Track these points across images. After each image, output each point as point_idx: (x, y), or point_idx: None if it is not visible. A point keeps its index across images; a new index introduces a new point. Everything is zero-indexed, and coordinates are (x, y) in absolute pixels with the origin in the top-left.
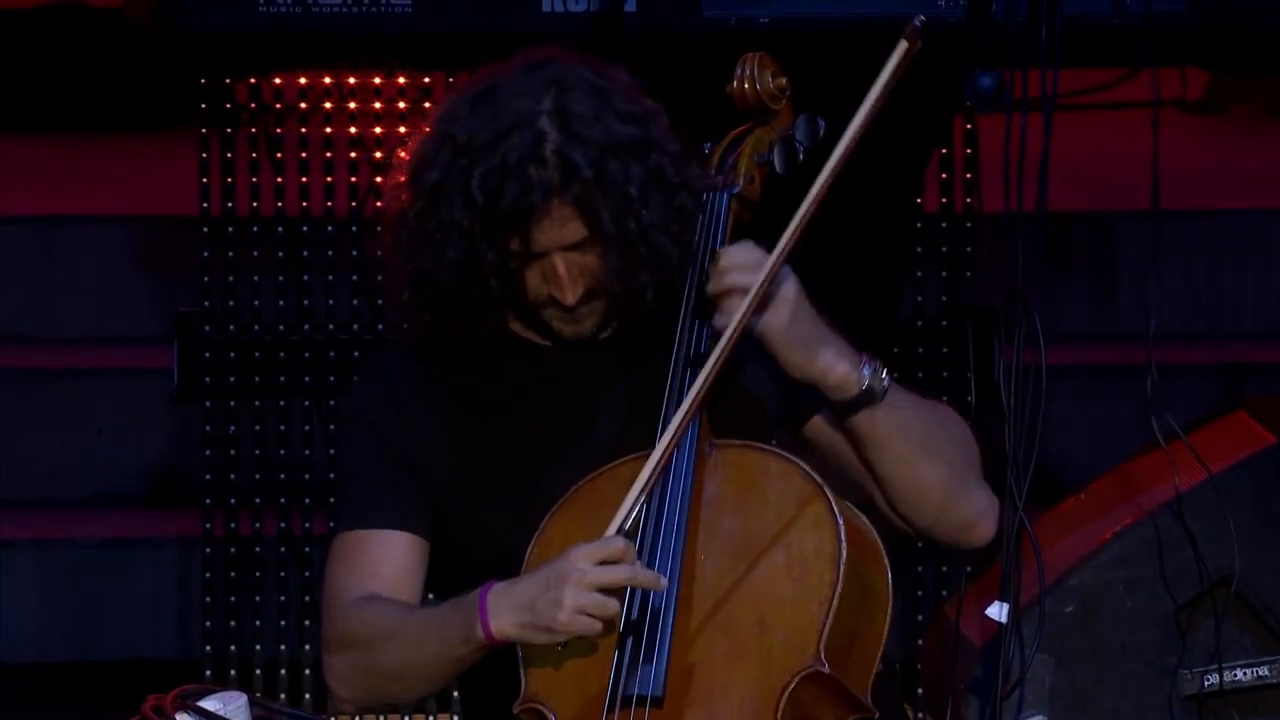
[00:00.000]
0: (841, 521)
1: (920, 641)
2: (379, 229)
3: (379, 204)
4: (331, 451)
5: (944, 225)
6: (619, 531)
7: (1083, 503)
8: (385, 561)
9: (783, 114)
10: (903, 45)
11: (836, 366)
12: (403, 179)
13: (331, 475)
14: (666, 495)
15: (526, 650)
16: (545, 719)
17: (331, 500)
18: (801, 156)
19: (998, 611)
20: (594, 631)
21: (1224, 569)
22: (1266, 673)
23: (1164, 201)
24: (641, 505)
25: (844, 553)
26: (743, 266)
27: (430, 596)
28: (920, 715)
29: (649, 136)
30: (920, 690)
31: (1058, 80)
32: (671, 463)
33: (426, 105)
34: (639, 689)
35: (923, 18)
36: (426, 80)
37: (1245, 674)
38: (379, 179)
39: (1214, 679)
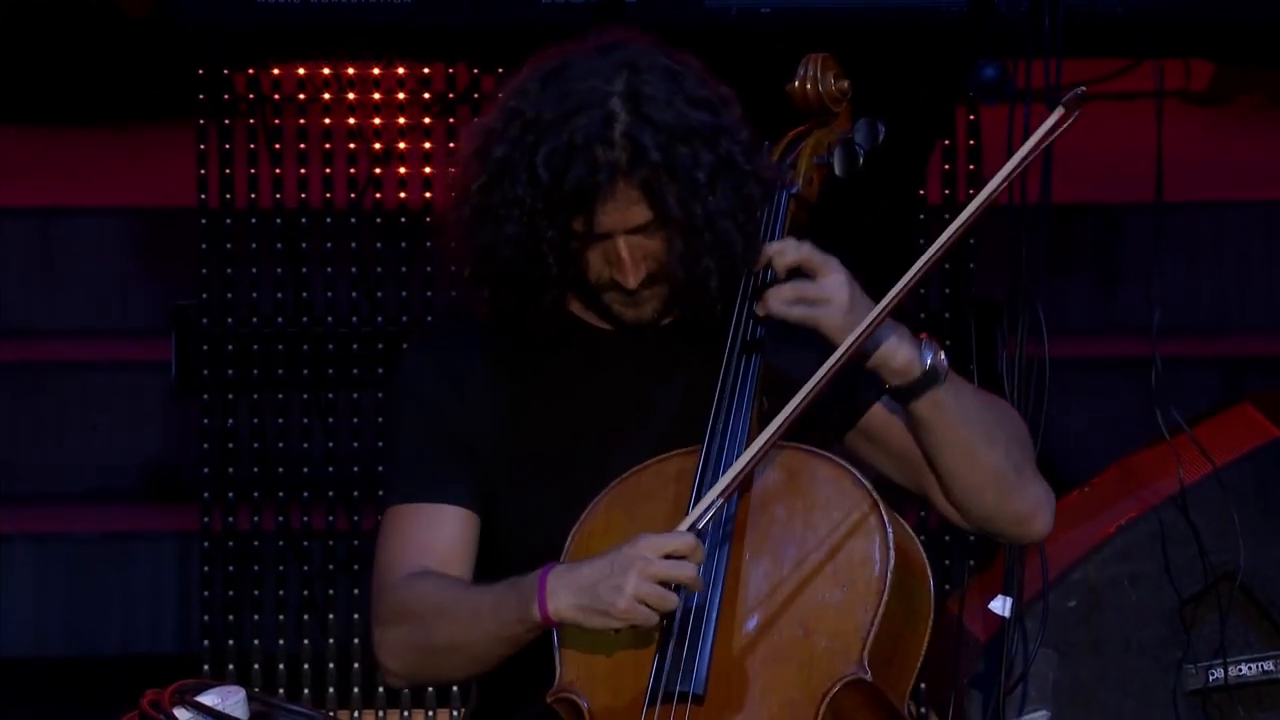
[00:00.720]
0: (891, 530)
1: None
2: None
3: (378, 195)
4: (330, 445)
5: (947, 217)
6: (690, 529)
7: (1086, 496)
8: (437, 536)
9: (843, 117)
10: (1059, 112)
11: (900, 350)
12: (469, 152)
13: (331, 469)
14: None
15: (567, 638)
16: (578, 708)
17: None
18: (861, 160)
19: (1001, 606)
20: (650, 623)
21: (1228, 563)
22: (1272, 667)
23: (1168, 194)
24: (719, 508)
25: (893, 561)
26: (786, 248)
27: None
28: (923, 710)
29: (720, 123)
30: (923, 685)
31: (1061, 71)
32: (723, 462)
33: (426, 96)
34: (681, 685)
35: (1083, 89)
36: (426, 71)
37: (1250, 669)
38: (378, 170)
39: (1219, 674)
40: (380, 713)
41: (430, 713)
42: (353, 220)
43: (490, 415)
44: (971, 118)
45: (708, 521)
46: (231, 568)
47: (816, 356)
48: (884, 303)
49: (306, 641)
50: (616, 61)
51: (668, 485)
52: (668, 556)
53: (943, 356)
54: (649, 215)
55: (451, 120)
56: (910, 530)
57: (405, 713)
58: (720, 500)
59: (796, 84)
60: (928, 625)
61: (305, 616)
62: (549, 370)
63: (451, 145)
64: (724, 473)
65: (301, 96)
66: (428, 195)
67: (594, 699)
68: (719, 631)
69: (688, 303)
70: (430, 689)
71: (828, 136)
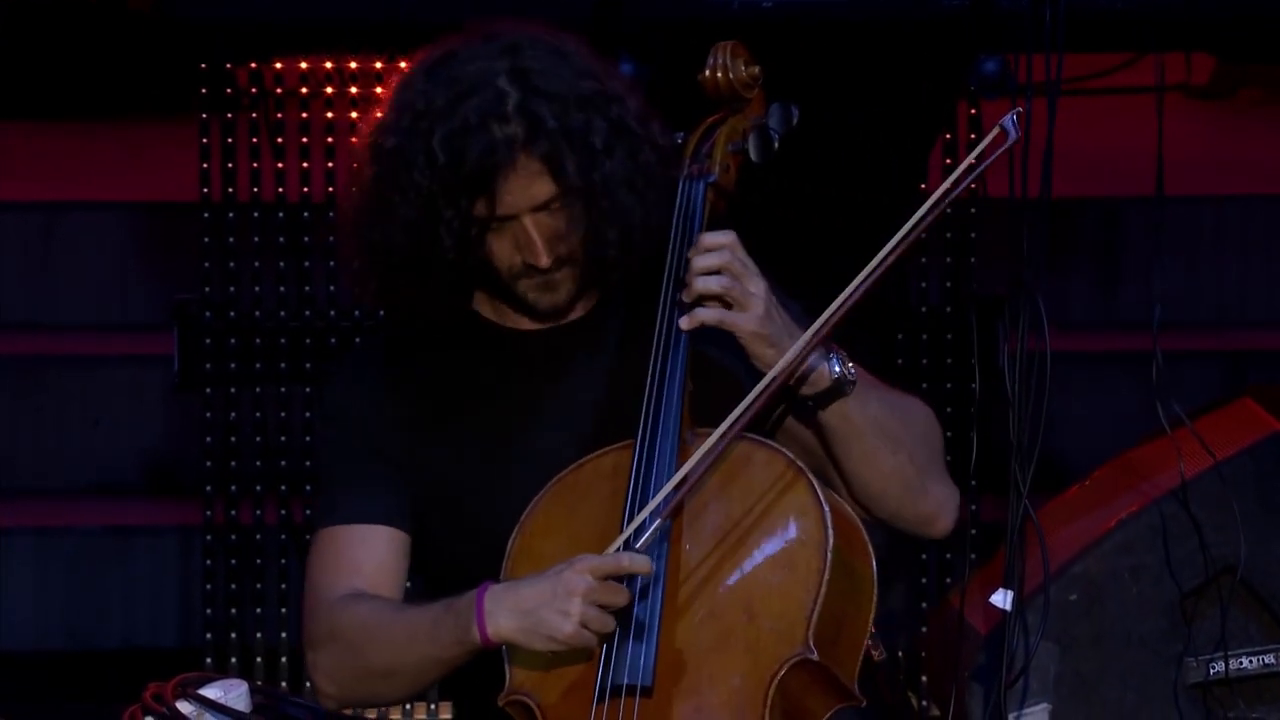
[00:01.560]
0: (828, 509)
1: (924, 629)
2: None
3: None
4: None
5: (948, 211)
6: (625, 547)
7: (1087, 490)
8: (365, 557)
9: (755, 102)
10: (995, 130)
11: (806, 361)
12: (361, 149)
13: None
14: (651, 484)
15: (513, 645)
16: (531, 710)
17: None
18: (776, 144)
19: (1002, 599)
20: (591, 644)
21: (1229, 556)
22: (1272, 660)
23: (1169, 188)
24: (655, 528)
25: (831, 540)
26: (714, 246)
27: (409, 585)
28: (924, 703)
29: (608, 90)
30: (924, 678)
31: (1062, 65)
32: (657, 453)
33: None
34: (628, 679)
35: (1020, 112)
36: None
37: (1250, 662)
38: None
39: (1219, 667)
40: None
41: (432, 706)
42: None
43: (413, 429)
44: (973, 112)
45: (645, 540)
46: (234, 561)
47: (739, 355)
48: (814, 327)
49: None
50: (499, 45)
51: (604, 481)
52: (605, 578)
53: (850, 367)
54: (552, 189)
55: None
56: (849, 508)
57: (407, 705)
58: (657, 520)
59: (707, 73)
60: (872, 601)
61: None
62: (466, 376)
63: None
64: (658, 486)
65: (304, 91)
66: None
67: (544, 699)
68: (663, 622)
69: (595, 276)
70: None
71: (742, 123)
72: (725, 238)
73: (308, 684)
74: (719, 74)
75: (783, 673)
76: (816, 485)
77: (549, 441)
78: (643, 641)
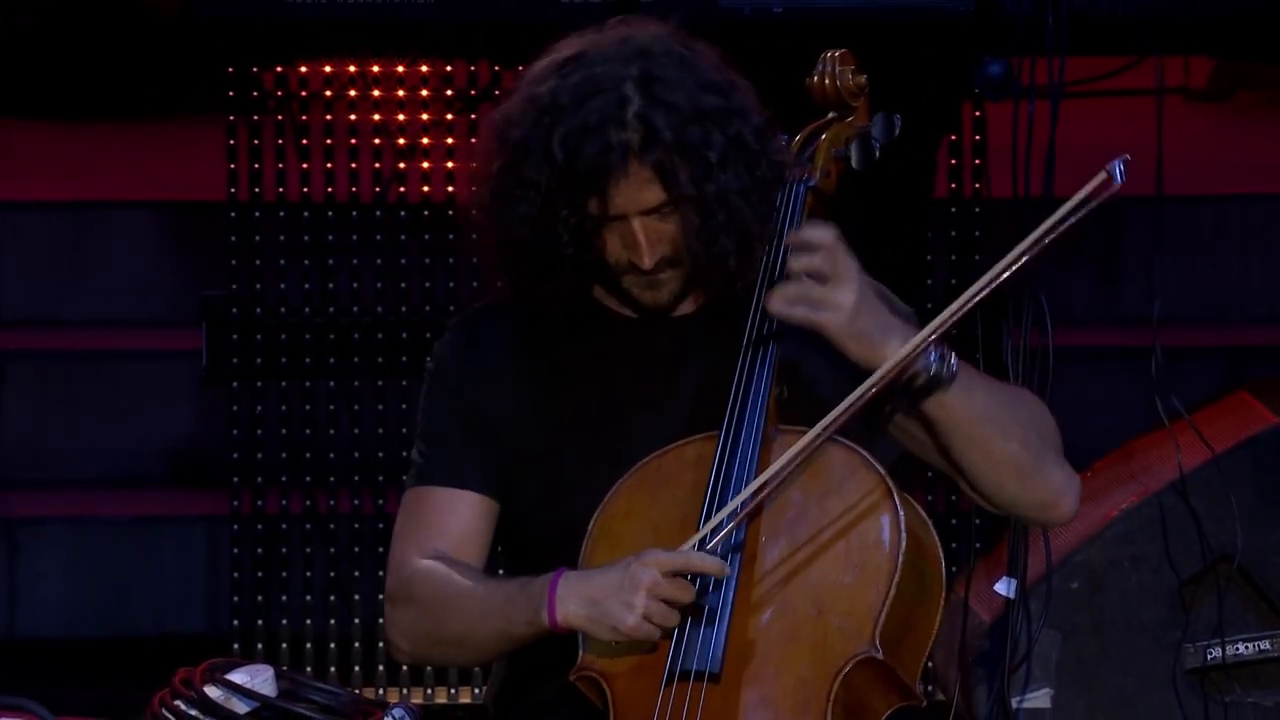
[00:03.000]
0: (903, 513)
1: None
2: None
3: (402, 189)
4: (356, 431)
5: (953, 210)
6: (700, 546)
7: (1089, 482)
8: (453, 521)
9: (860, 111)
10: (1101, 176)
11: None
12: (488, 138)
13: (356, 455)
14: (732, 478)
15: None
16: (600, 687)
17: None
18: (878, 154)
19: (1005, 588)
20: (653, 638)
21: (1226, 546)
22: (1268, 647)
23: (1168, 188)
24: (730, 530)
25: (904, 543)
26: (809, 244)
27: (499, 549)
28: (930, 688)
29: (731, 105)
30: (930, 664)
31: (1064, 68)
32: (740, 448)
33: (449, 93)
34: (697, 664)
35: (1127, 159)
36: (448, 69)
37: (1247, 648)
38: (402, 165)
39: (1216, 653)
40: (404, 690)
41: (453, 690)
42: (377, 214)
43: (516, 398)
44: (977, 114)
45: (719, 539)
46: (260, 550)
47: (831, 350)
48: (919, 338)
49: (333, 621)
50: (630, 48)
51: (687, 470)
52: (674, 573)
53: (951, 362)
54: (662, 196)
55: (473, 116)
56: (923, 513)
57: (429, 690)
58: (732, 524)
59: (815, 79)
60: (939, 606)
61: (331, 597)
62: (576, 356)
63: (473, 140)
64: (738, 480)
65: (328, 93)
66: (450, 189)
67: (614, 677)
68: (735, 612)
69: (704, 283)
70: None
71: (845, 130)
72: (825, 236)
73: (332, 669)
74: (827, 81)
75: (848, 669)
76: (894, 488)
77: (642, 428)
78: (714, 629)
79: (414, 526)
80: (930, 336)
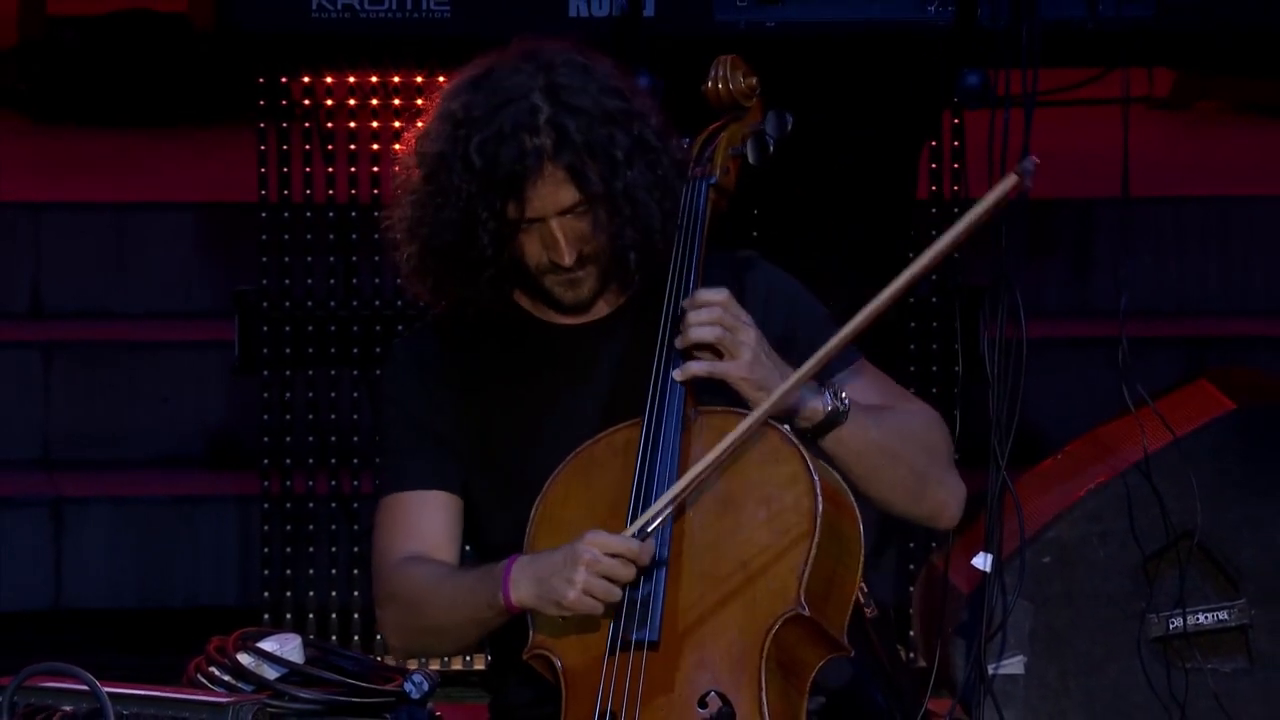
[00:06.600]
0: (817, 478)
1: (912, 589)
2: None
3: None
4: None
5: (933, 211)
6: (638, 533)
7: (1060, 463)
8: (424, 521)
9: (753, 110)
10: (1010, 179)
11: (801, 401)
12: (407, 155)
13: (377, 438)
14: (658, 459)
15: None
16: (551, 664)
17: (376, 465)
18: (772, 149)
19: (982, 562)
20: (596, 611)
21: (1187, 523)
22: (1225, 616)
23: (1134, 189)
24: (665, 516)
25: (819, 506)
26: (707, 303)
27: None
28: (912, 656)
29: (632, 108)
30: (912, 633)
31: (1037, 79)
32: (662, 430)
33: None
34: (637, 634)
35: (1035, 161)
36: None
37: (1206, 618)
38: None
39: (1178, 622)
40: (421, 658)
41: (467, 657)
42: None
43: (457, 411)
44: (956, 121)
45: (655, 527)
46: (288, 527)
47: None
48: (796, 375)
49: (356, 593)
50: (535, 62)
51: (617, 455)
52: (613, 555)
53: (844, 400)
54: (576, 196)
55: None
56: (837, 476)
57: (445, 657)
58: (668, 510)
59: (709, 84)
60: (859, 562)
61: (355, 571)
62: (505, 363)
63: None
64: (663, 461)
65: (352, 102)
66: None
67: (562, 653)
68: (669, 583)
69: (616, 275)
70: None
71: (741, 129)
72: (718, 295)
73: (355, 638)
74: (720, 85)
75: (777, 627)
76: (807, 457)
77: (574, 423)
78: (651, 601)
79: (389, 532)
80: (846, 338)
